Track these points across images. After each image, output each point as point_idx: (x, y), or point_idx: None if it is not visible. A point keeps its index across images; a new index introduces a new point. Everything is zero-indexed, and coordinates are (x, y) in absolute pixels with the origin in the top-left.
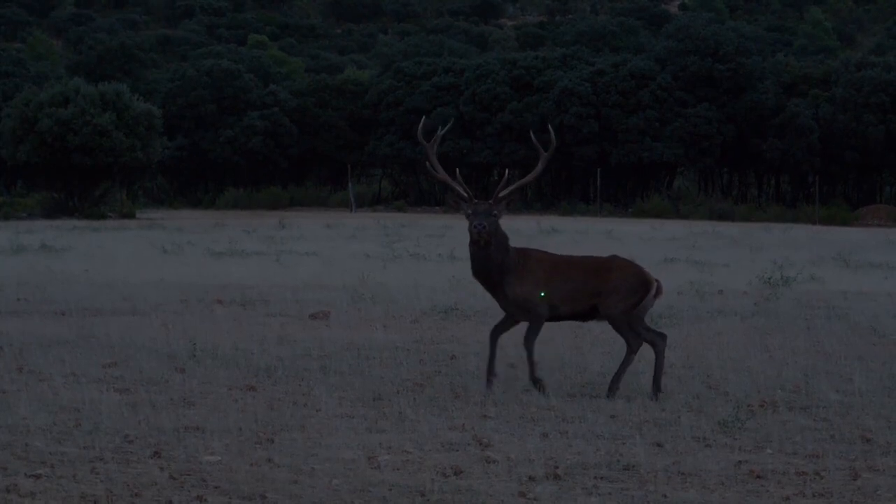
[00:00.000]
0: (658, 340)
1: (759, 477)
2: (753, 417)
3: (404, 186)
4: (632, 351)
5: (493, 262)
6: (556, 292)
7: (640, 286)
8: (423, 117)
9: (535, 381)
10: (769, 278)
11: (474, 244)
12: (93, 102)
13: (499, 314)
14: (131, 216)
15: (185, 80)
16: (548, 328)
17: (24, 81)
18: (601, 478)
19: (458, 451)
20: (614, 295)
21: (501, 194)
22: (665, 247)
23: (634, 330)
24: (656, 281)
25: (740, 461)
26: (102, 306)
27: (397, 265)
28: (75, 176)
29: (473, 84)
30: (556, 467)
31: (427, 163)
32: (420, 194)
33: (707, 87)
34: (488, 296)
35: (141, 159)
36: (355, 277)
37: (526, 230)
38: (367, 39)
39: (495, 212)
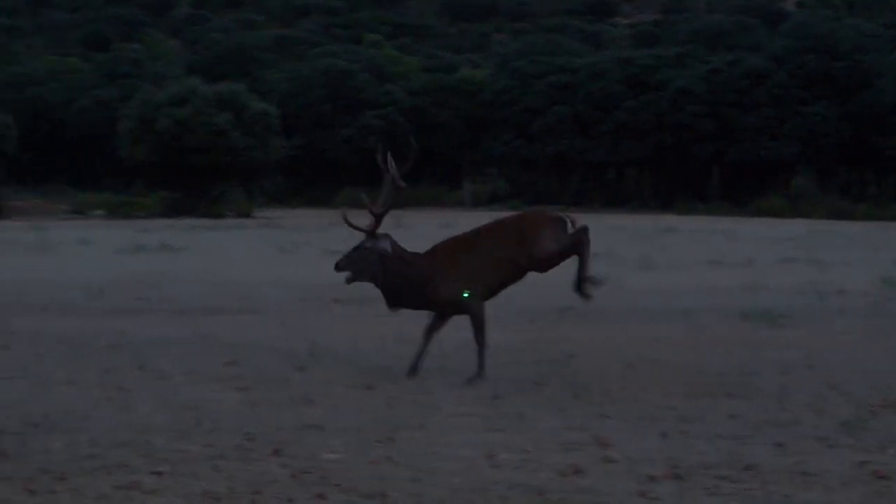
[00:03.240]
0: None
1: (883, 477)
2: (876, 418)
3: (521, 185)
4: None
5: (394, 289)
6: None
7: None
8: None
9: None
10: (890, 278)
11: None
12: (210, 102)
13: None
14: (248, 215)
15: (301, 80)
16: (665, 329)
17: (141, 81)
18: (722, 478)
19: (576, 450)
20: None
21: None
22: (784, 246)
23: None
24: None
25: (863, 462)
26: (220, 305)
27: None
28: (193, 175)
29: (588, 83)
30: (677, 467)
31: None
32: (536, 193)
33: (824, 85)
34: (604, 296)
35: (259, 159)
36: None
37: (644, 229)
38: (482, 39)
39: (367, 245)
